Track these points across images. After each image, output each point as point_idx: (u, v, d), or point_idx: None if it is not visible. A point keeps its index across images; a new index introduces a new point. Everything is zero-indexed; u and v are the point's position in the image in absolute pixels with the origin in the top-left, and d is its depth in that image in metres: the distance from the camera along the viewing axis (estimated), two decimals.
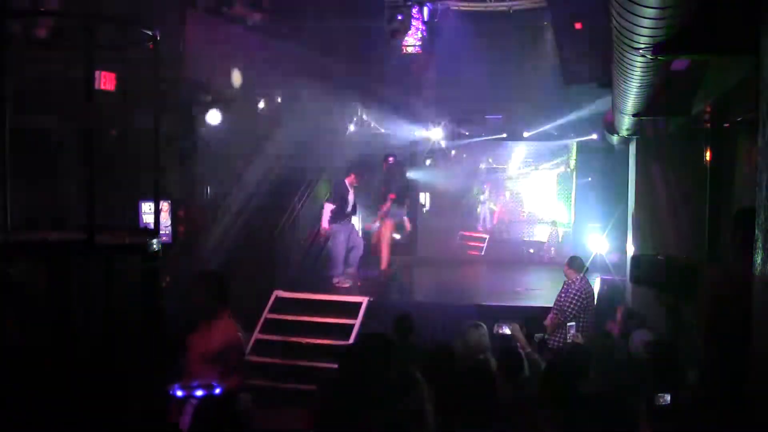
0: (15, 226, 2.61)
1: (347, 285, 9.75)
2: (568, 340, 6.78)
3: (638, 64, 4.36)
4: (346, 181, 9.98)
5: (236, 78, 9.77)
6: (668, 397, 4.27)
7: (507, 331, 5.78)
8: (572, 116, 12.46)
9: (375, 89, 12.97)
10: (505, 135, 13.47)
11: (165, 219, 7.71)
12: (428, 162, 15.08)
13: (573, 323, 6.90)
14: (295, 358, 8.42)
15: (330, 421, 4.09)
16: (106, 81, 6.88)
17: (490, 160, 15.55)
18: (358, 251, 10.07)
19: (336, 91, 12.70)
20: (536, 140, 14.12)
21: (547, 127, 12.92)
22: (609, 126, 8.94)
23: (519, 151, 15.31)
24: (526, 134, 13.48)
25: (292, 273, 10.29)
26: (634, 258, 7.35)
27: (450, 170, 15.06)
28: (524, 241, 15.08)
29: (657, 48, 3.86)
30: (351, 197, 9.97)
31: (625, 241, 9.98)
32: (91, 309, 2.90)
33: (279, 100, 10.94)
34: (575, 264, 7.52)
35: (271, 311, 8.97)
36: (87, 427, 2.65)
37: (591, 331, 7.24)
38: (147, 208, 7.18)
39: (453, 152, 15.12)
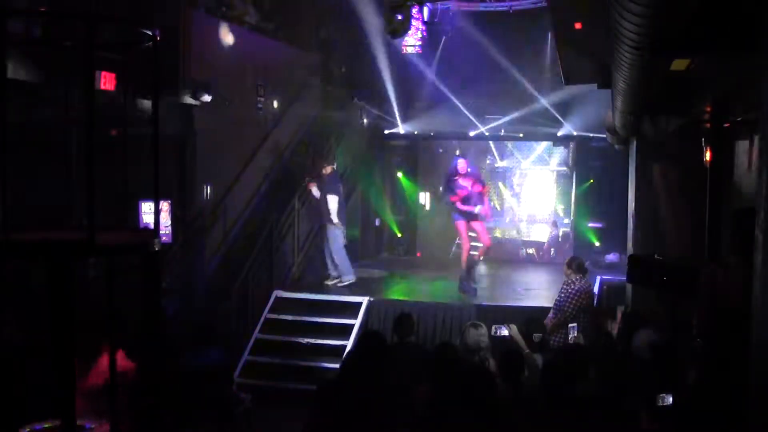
0: (15, 226, 2.61)
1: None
2: (570, 341, 6.77)
3: (638, 64, 4.36)
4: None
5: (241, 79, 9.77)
6: (669, 398, 4.27)
7: (505, 332, 5.78)
8: (572, 116, 12.47)
9: (376, 88, 12.99)
10: (502, 133, 13.46)
11: (165, 219, 7.70)
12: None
13: (575, 324, 6.89)
14: (295, 358, 8.42)
15: (325, 422, 4.09)
16: (106, 81, 6.87)
17: (488, 161, 15.56)
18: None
19: (336, 90, 12.74)
20: (536, 140, 14.13)
21: (546, 126, 12.92)
22: (609, 126, 8.94)
23: (518, 151, 15.32)
24: (524, 134, 13.48)
25: (292, 273, 10.29)
26: (633, 258, 7.36)
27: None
28: (524, 241, 15.08)
29: (657, 48, 3.86)
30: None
31: (624, 241, 9.98)
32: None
33: (279, 98, 10.94)
34: (575, 264, 7.52)
35: (271, 311, 8.97)
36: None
37: (591, 331, 7.23)
38: (147, 208, 7.18)
39: (457, 151, 15.11)
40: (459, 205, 9.26)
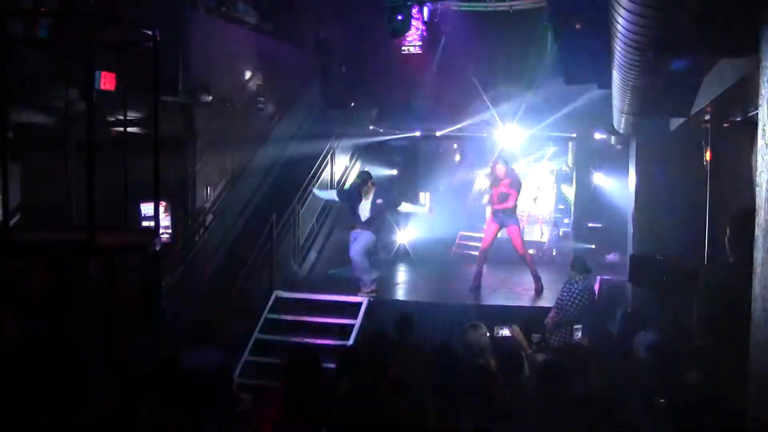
0: (15, 226, 2.60)
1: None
2: (574, 342, 6.77)
3: (638, 64, 4.36)
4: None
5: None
6: (666, 399, 4.28)
7: (507, 332, 5.78)
8: (573, 116, 12.45)
9: (375, 88, 12.98)
10: (510, 136, 13.45)
11: (165, 219, 7.71)
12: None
13: (580, 325, 6.89)
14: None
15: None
16: (106, 81, 6.88)
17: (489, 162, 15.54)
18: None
19: (336, 90, 12.74)
20: (536, 140, 14.10)
21: (547, 126, 12.91)
22: (609, 125, 8.94)
23: (519, 151, 15.28)
24: (525, 133, 13.47)
25: (292, 273, 10.28)
26: (633, 258, 7.36)
27: (450, 169, 15.06)
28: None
29: (657, 48, 3.86)
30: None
31: (624, 241, 9.98)
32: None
33: (279, 98, 10.95)
34: (578, 265, 7.51)
35: (271, 311, 8.96)
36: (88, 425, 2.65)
37: (591, 331, 7.23)
38: (147, 208, 7.19)
39: (457, 156, 15.12)
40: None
